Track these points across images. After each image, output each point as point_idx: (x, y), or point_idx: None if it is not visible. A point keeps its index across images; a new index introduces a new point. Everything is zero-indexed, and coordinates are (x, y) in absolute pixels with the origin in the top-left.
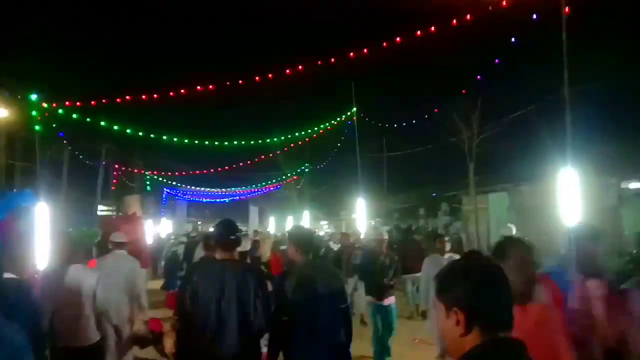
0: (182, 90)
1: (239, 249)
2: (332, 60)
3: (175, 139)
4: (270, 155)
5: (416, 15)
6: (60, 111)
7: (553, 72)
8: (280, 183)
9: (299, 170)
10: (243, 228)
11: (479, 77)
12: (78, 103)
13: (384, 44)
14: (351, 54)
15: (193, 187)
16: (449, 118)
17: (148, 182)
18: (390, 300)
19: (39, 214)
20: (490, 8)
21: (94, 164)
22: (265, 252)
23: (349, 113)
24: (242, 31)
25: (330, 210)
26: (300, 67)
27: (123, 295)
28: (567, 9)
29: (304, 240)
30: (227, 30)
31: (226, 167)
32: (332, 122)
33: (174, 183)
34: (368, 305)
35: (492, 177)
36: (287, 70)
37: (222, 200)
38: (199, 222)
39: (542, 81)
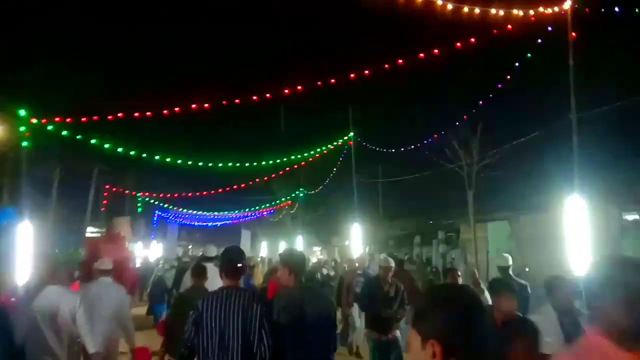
0: (176, 109)
1: None
2: (332, 81)
3: (168, 159)
4: (265, 178)
5: (419, 38)
6: (49, 127)
7: (555, 98)
8: (274, 207)
9: (293, 195)
10: None
11: (480, 102)
12: (68, 120)
13: (385, 65)
14: (351, 75)
15: (185, 210)
16: (448, 144)
17: (139, 204)
18: (393, 335)
19: (22, 233)
20: (495, 32)
21: (85, 183)
22: (258, 279)
23: (345, 137)
24: (240, 50)
25: (323, 236)
26: (299, 87)
27: (109, 325)
28: (574, 33)
29: (296, 263)
30: (224, 48)
31: (219, 190)
32: (328, 146)
33: (165, 205)
34: (368, 340)
35: (491, 206)
36: (286, 90)
37: (214, 224)
38: (190, 246)
39: (543, 108)
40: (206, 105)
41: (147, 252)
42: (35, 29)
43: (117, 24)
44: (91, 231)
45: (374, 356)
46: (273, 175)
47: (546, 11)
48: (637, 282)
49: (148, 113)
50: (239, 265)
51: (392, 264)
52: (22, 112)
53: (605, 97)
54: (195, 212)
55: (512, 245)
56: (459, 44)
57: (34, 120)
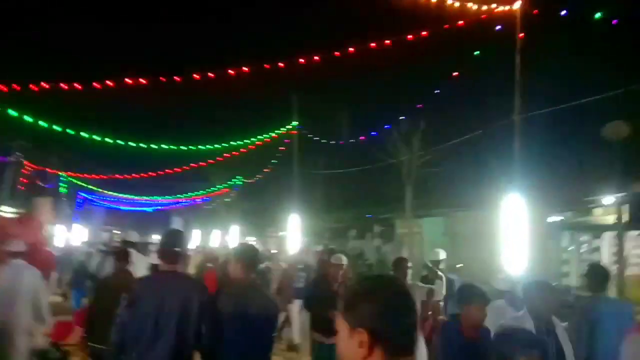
0: (109, 82)
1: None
2: (281, 65)
3: (95, 137)
4: (201, 164)
5: (369, 28)
6: None
7: (499, 98)
8: (208, 195)
9: (229, 182)
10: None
11: (424, 97)
12: None
13: (336, 53)
14: (301, 60)
15: (112, 193)
16: (390, 139)
17: (63, 184)
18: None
19: None
20: (446, 26)
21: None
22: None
23: (288, 126)
24: (184, 25)
25: (258, 227)
26: (245, 68)
27: (24, 309)
28: (521, 34)
29: (250, 259)
30: (167, 22)
31: (151, 173)
32: (270, 134)
33: (91, 187)
34: (312, 341)
35: (428, 202)
36: (231, 71)
37: (143, 209)
38: (117, 231)
39: (486, 107)
40: (142, 80)
41: (70, 235)
42: None
43: None
44: (6, 211)
45: (316, 358)
46: (210, 161)
47: (497, 9)
48: None
49: (77, 85)
50: (177, 249)
51: (345, 261)
52: None
53: (549, 98)
54: (123, 195)
55: (446, 241)
56: (410, 36)
57: None
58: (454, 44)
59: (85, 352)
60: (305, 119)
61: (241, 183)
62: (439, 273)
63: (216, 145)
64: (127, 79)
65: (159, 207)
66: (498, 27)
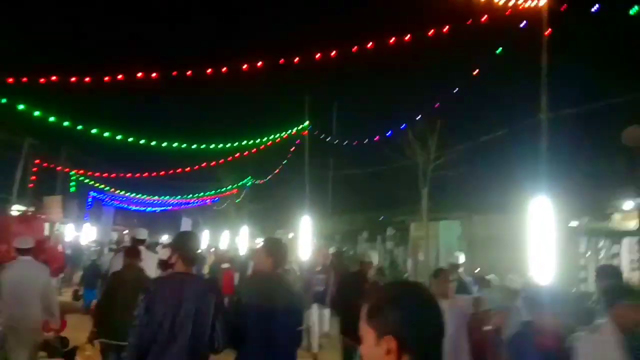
0: (119, 76)
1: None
2: (296, 60)
3: (105, 134)
4: (211, 163)
5: (385, 24)
6: None
7: (519, 98)
8: (218, 195)
9: (239, 184)
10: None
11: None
12: None
13: (353, 49)
14: (317, 54)
15: (122, 192)
16: (405, 139)
17: (73, 183)
18: None
19: None
20: (469, 22)
21: (12, 157)
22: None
23: (299, 127)
24: (197, 19)
25: (267, 228)
26: (259, 63)
27: (33, 304)
28: (549, 30)
29: (281, 253)
30: (180, 15)
31: (161, 173)
32: (281, 135)
33: (101, 186)
34: (343, 348)
35: (444, 205)
36: (244, 66)
37: (153, 209)
38: (126, 231)
39: (504, 108)
40: (154, 74)
41: (79, 234)
42: None
43: None
44: (16, 210)
45: None
46: (221, 161)
47: (523, 5)
48: None
49: (86, 78)
50: (195, 251)
51: (374, 260)
52: None
53: (576, 98)
54: (133, 195)
55: (463, 244)
56: (429, 33)
57: None
58: (477, 41)
59: (96, 346)
60: (318, 119)
61: (251, 184)
62: (462, 278)
63: (227, 145)
64: (138, 74)
65: (169, 207)
66: (523, 24)
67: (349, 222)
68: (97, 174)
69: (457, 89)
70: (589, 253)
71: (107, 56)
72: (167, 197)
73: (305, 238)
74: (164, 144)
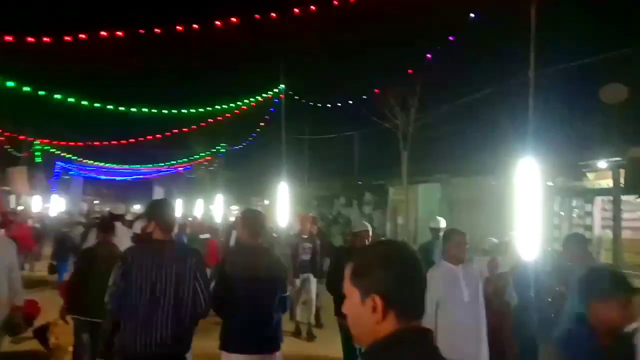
0: (82, 34)
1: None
2: (273, 15)
3: (70, 100)
4: (183, 129)
5: None
6: None
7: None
8: (191, 163)
9: (213, 150)
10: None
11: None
12: None
13: (334, 2)
14: (295, 10)
15: (91, 162)
16: (384, 101)
17: (38, 153)
18: None
19: None
20: None
21: None
22: None
23: (275, 90)
24: None
25: (243, 195)
26: (233, 19)
27: (1, 284)
28: None
29: (256, 226)
30: None
31: (131, 140)
32: (256, 98)
33: (68, 155)
34: (340, 328)
35: (423, 168)
36: (217, 22)
37: (123, 178)
38: (97, 202)
39: (484, 69)
40: (119, 32)
41: (47, 206)
42: None
43: None
44: None
45: (348, 348)
46: (193, 127)
47: None
48: None
49: (46, 38)
50: (173, 218)
51: (369, 228)
52: None
53: (553, 58)
54: (102, 164)
55: (443, 207)
56: None
57: None
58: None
59: (70, 323)
60: (294, 82)
61: (225, 150)
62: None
63: (200, 110)
64: (102, 32)
65: (140, 177)
66: None
67: (325, 187)
68: (62, 142)
69: (437, 48)
70: (563, 212)
71: (69, 14)
72: (138, 165)
73: (282, 205)
74: (133, 109)
